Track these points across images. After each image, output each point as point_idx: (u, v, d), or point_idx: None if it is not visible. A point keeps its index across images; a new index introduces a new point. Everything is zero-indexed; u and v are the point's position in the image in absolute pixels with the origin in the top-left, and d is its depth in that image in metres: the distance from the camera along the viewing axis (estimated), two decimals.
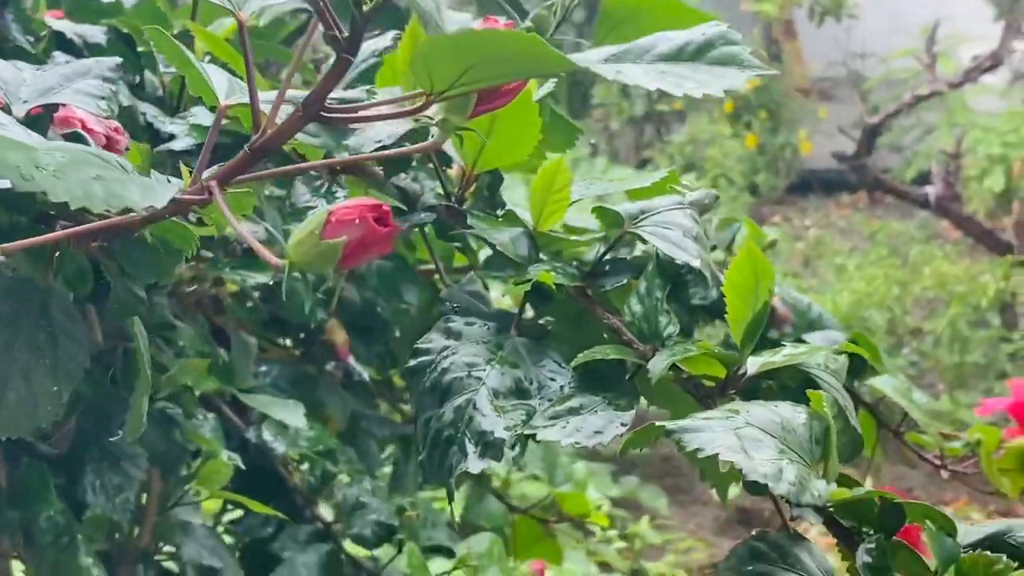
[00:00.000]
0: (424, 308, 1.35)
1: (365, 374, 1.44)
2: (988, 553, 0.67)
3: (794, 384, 0.79)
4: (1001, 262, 3.94)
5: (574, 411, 0.72)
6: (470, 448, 0.72)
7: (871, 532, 0.69)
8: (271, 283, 1.28)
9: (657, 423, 0.66)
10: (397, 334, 1.43)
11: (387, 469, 1.47)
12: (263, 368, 1.32)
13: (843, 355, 0.83)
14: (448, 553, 1.28)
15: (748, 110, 5.40)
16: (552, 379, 0.75)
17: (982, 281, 3.89)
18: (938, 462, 1.31)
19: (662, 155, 5.26)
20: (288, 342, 1.42)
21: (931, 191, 4.32)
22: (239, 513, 1.32)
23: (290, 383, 1.32)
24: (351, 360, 1.40)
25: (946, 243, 4.70)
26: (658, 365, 0.73)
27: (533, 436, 0.71)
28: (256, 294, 1.28)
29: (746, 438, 0.66)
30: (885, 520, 0.70)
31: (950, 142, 4.57)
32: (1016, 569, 0.68)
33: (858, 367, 1.32)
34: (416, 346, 0.75)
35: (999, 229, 4.37)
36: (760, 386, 0.79)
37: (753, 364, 0.76)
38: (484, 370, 0.74)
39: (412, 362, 0.75)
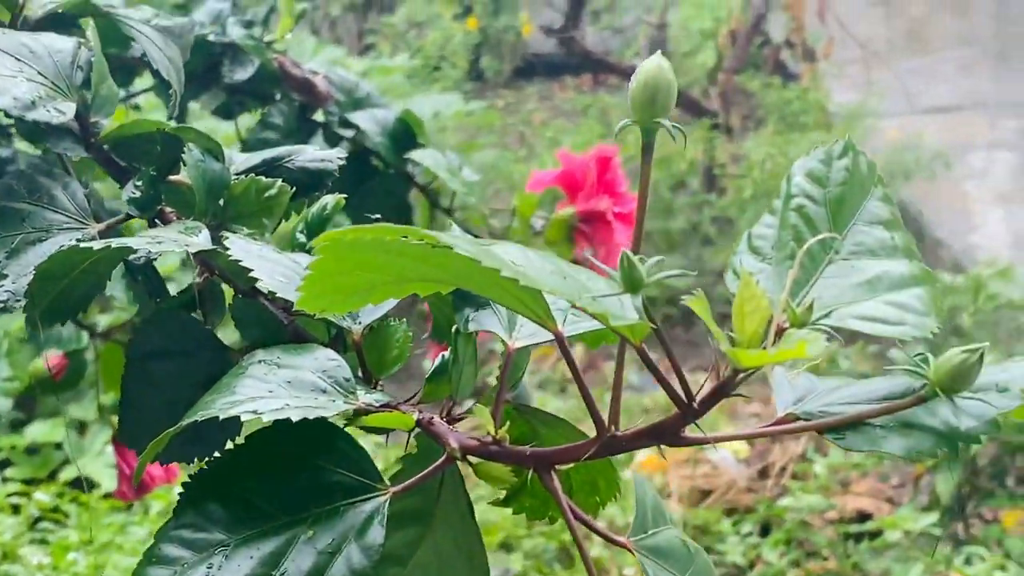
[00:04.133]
0: None
1: None
2: (262, 178, 0.62)
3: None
4: (698, 125, 4.00)
5: None
6: None
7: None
8: None
9: None
10: None
11: None
12: None
13: (183, 20, 0.76)
14: None
15: None
16: None
17: (681, 146, 3.95)
18: (488, 239, 1.28)
19: (385, 41, 5.16)
20: None
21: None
22: None
23: None
24: None
25: None
26: None
27: None
28: None
29: None
30: (163, 155, 0.64)
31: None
32: (295, 195, 0.63)
33: (406, 142, 1.28)
34: None
35: (707, 101, 4.45)
36: None
37: None
38: None
39: None
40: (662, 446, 0.43)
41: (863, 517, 2.68)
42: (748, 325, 0.41)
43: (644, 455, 2.80)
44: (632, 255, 0.40)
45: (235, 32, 1.22)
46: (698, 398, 0.42)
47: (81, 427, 2.88)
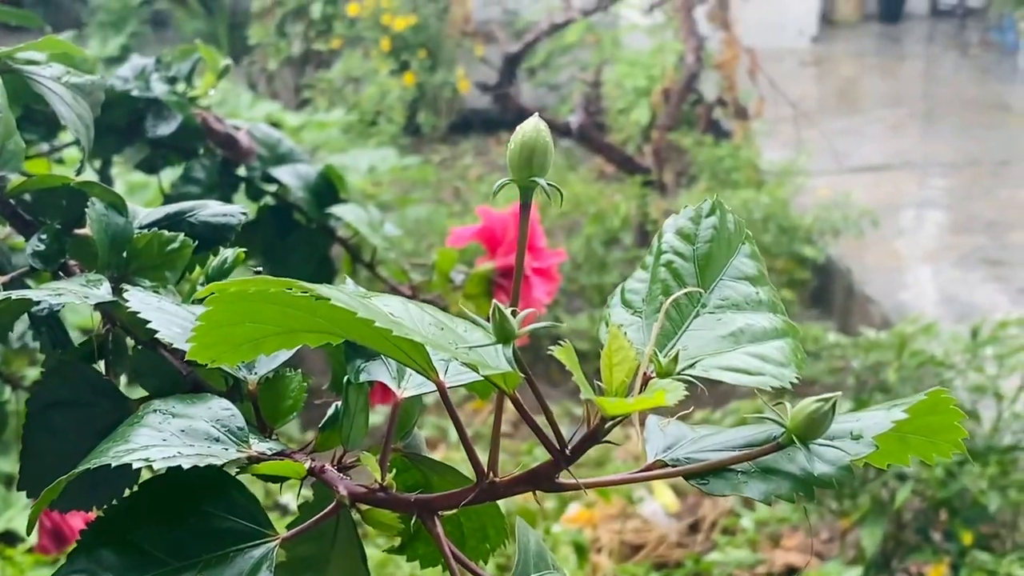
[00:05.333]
0: None
1: None
2: (165, 232, 0.63)
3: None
4: (631, 182, 4.05)
5: None
6: None
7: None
8: None
9: None
10: None
11: None
12: None
13: (95, 77, 0.77)
14: None
15: (407, 49, 5.40)
16: None
17: (614, 201, 4.00)
18: (409, 292, 1.30)
19: (322, 96, 5.18)
20: None
21: (573, 120, 4.41)
22: None
23: None
24: None
25: (593, 171, 4.81)
26: None
27: None
28: None
29: None
30: (69, 209, 0.65)
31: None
32: (197, 249, 0.64)
33: (328, 197, 1.29)
34: None
35: (639, 157, 4.51)
36: None
37: None
38: None
39: None
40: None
41: (791, 571, 2.71)
42: (616, 375, 0.42)
43: (575, 510, 2.81)
44: (503, 308, 0.42)
45: (158, 88, 1.23)
46: (570, 445, 0.44)
47: (9, 481, 2.84)
